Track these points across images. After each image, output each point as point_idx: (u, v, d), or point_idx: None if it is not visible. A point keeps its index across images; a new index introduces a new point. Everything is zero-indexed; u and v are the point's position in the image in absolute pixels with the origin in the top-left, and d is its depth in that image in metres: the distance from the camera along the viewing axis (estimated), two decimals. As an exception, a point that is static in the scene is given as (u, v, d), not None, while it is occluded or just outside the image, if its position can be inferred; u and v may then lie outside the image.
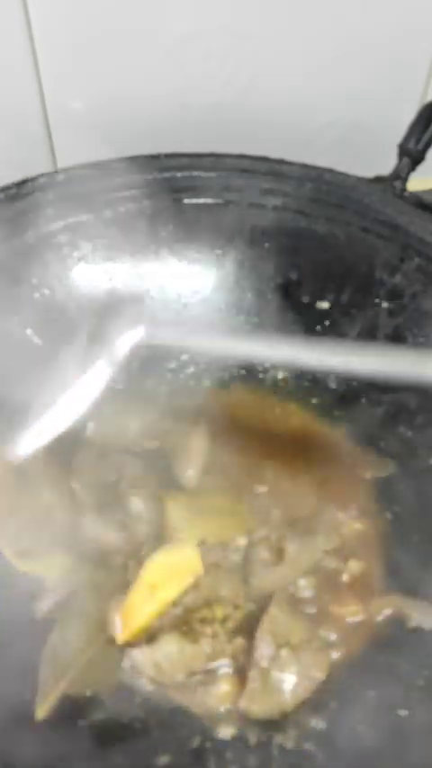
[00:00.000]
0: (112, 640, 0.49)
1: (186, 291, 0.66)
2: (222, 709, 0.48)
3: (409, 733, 0.46)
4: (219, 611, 0.50)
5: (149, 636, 0.49)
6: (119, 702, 0.48)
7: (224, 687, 0.48)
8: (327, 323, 0.64)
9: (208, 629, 0.49)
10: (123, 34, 0.67)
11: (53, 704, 0.47)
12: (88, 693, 0.48)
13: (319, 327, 0.64)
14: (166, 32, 0.68)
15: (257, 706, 0.47)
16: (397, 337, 0.62)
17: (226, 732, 0.47)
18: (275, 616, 0.50)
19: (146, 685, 0.48)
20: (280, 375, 0.65)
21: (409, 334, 0.61)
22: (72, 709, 0.47)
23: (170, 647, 0.48)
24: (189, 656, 0.48)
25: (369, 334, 0.63)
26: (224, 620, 0.50)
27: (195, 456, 0.58)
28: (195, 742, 0.47)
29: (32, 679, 0.48)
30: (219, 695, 0.48)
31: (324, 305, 0.64)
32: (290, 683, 0.48)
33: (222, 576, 0.52)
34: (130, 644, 0.49)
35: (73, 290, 0.64)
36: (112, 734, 0.47)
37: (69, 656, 0.49)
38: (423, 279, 0.60)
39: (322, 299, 0.64)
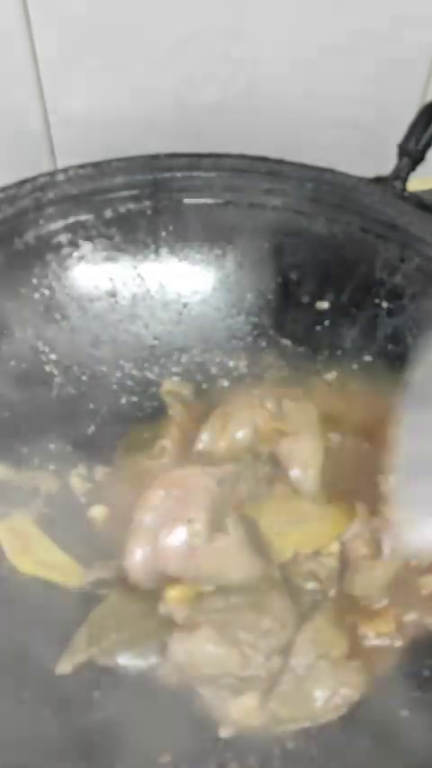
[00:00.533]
0: (162, 622, 0.49)
1: (186, 291, 0.66)
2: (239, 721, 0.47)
3: (409, 733, 0.47)
4: (265, 623, 0.48)
5: (191, 626, 0.48)
6: (120, 701, 0.48)
7: (250, 702, 0.47)
8: (327, 323, 0.64)
9: (250, 638, 0.48)
10: (123, 34, 0.67)
11: (78, 665, 0.48)
12: (118, 664, 0.48)
13: (318, 327, 0.64)
14: (166, 32, 0.68)
15: (287, 710, 0.47)
16: (397, 337, 0.62)
17: (226, 731, 0.47)
18: (320, 625, 0.49)
19: (169, 676, 0.48)
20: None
21: (409, 335, 0.61)
22: (72, 709, 0.47)
23: (205, 640, 0.47)
24: (222, 656, 0.47)
25: (369, 334, 0.63)
26: (267, 634, 0.48)
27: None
28: (196, 741, 0.47)
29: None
30: (240, 707, 0.47)
31: (324, 305, 0.64)
32: (322, 697, 0.46)
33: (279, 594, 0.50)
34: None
35: (73, 290, 0.64)
36: (113, 733, 0.47)
37: (114, 625, 0.49)
38: (423, 279, 0.60)
39: (322, 299, 0.64)
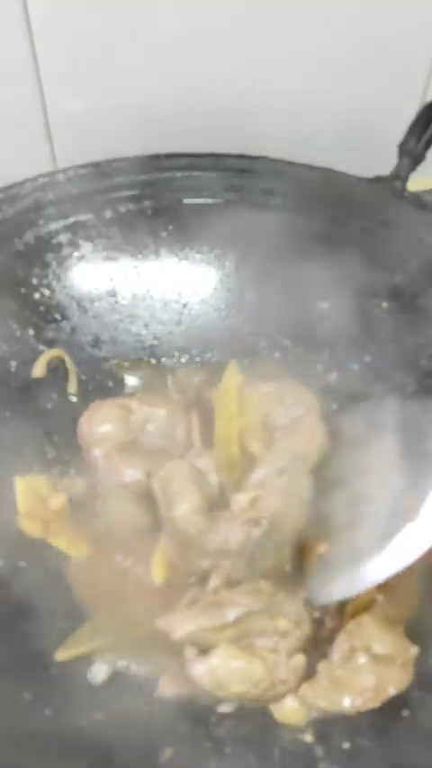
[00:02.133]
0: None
1: (186, 291, 0.66)
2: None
3: (410, 733, 0.47)
4: (281, 625, 0.48)
5: (205, 647, 0.48)
6: (121, 699, 0.48)
7: (290, 704, 0.47)
8: (327, 323, 0.64)
9: (268, 643, 0.47)
10: (123, 34, 0.67)
11: (73, 655, 0.49)
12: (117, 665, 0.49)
13: (319, 327, 0.64)
14: (166, 32, 0.68)
15: (324, 701, 0.47)
16: (397, 337, 0.62)
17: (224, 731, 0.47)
18: (364, 622, 0.49)
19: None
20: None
21: (409, 334, 0.61)
22: (73, 708, 0.47)
23: (225, 657, 0.47)
24: (246, 668, 0.46)
25: (369, 334, 0.63)
26: (285, 634, 0.48)
27: None
28: (197, 738, 0.47)
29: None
30: (283, 712, 0.47)
31: (324, 305, 0.64)
32: (356, 688, 0.46)
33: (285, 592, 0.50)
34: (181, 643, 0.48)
35: (73, 290, 0.64)
36: (115, 729, 0.47)
37: (119, 626, 0.50)
38: (423, 279, 0.60)
39: (322, 298, 0.64)
